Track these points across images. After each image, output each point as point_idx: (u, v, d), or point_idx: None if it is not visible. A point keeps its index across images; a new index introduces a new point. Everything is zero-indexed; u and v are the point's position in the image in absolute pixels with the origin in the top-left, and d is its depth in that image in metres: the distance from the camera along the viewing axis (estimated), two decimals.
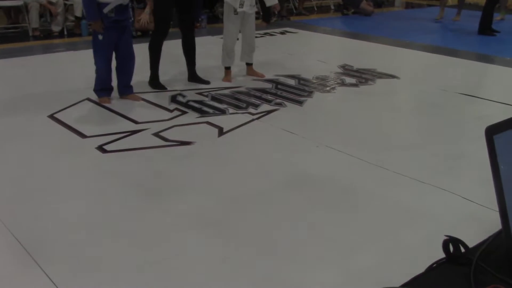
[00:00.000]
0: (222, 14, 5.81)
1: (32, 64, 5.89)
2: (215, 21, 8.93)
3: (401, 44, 7.45)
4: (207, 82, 5.18)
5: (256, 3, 5.26)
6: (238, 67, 5.51)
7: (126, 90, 4.66)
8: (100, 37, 4.31)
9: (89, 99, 4.59)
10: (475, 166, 3.34)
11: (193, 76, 5.22)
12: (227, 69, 5.35)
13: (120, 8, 4.31)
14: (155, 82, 5.02)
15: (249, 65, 5.52)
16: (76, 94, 4.69)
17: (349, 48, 7.53)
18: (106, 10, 4.22)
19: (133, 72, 4.64)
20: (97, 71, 4.50)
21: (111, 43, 4.38)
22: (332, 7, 11.32)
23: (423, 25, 9.38)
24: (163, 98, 4.71)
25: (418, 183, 3.15)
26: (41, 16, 7.67)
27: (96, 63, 4.46)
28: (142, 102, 4.61)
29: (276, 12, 9.31)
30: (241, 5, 5.01)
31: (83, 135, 3.81)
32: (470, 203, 2.90)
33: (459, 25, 9.21)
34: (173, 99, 4.70)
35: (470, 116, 4.44)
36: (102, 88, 4.54)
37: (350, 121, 4.29)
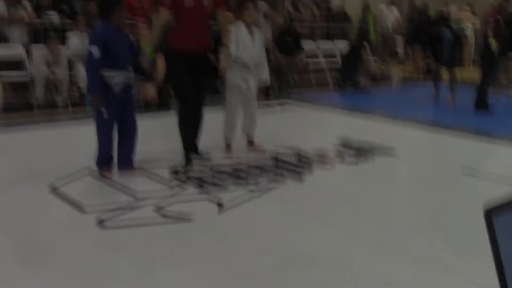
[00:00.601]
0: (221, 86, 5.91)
1: (35, 136, 5.96)
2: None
3: (399, 120, 7.43)
4: (207, 156, 5.17)
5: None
6: (238, 141, 5.54)
7: (127, 163, 4.69)
8: (105, 115, 4.40)
9: (89, 172, 4.62)
10: (477, 246, 3.29)
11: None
12: (228, 145, 5.39)
13: (125, 85, 4.43)
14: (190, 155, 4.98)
15: (249, 140, 5.57)
16: (78, 167, 4.71)
17: (347, 123, 7.57)
18: (116, 89, 4.35)
19: (135, 146, 4.69)
20: (99, 145, 4.55)
21: (114, 119, 4.47)
22: (330, 81, 11.56)
23: (421, 100, 9.46)
24: (163, 172, 4.72)
25: (419, 262, 3.11)
26: (46, 88, 7.83)
27: (98, 138, 4.52)
28: (142, 176, 4.63)
29: (276, 87, 9.56)
30: (246, 82, 5.17)
31: (83, 211, 3.80)
32: (473, 285, 2.85)
33: (456, 101, 9.21)
34: (174, 173, 4.72)
35: (470, 195, 4.42)
36: (103, 161, 4.59)
37: (351, 199, 4.28)
